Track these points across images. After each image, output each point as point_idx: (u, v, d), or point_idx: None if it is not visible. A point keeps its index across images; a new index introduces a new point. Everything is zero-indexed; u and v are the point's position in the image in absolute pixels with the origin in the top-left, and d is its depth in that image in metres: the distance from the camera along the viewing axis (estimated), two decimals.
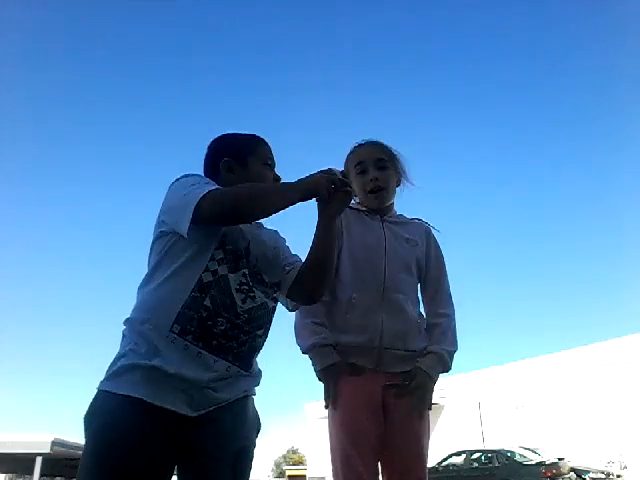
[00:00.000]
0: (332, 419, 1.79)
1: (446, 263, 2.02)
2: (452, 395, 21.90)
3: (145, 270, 1.42)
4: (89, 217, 57.04)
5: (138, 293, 1.40)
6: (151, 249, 1.42)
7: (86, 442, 1.25)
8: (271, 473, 50.66)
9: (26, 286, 59.11)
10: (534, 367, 20.76)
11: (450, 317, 1.91)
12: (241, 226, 1.45)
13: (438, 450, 12.62)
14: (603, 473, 14.01)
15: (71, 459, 17.04)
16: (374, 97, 55.24)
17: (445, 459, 15.15)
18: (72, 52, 56.87)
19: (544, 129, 42.82)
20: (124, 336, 1.34)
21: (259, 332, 1.42)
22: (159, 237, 1.40)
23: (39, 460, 15.52)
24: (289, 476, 33.58)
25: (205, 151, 1.59)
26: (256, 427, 1.44)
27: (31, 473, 16.57)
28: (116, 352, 1.33)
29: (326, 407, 1.80)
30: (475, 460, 14.70)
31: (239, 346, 1.36)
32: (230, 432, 1.33)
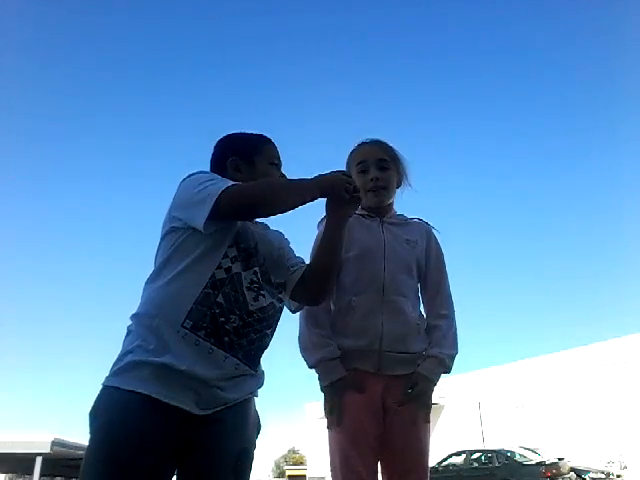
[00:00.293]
0: (332, 417, 1.78)
1: (446, 263, 2.01)
2: (452, 395, 21.91)
3: (151, 265, 1.42)
4: (91, 211, 57.06)
5: (145, 289, 1.39)
6: (160, 244, 1.42)
7: (91, 438, 1.24)
8: (271, 473, 50.67)
9: (26, 282, 59.14)
10: (534, 367, 20.77)
11: (450, 318, 1.90)
12: (249, 225, 1.46)
13: (438, 450, 12.61)
14: (603, 473, 14.01)
15: (71, 459, 17.06)
16: (373, 90, 55.30)
17: (445, 459, 15.16)
18: (72, 46, 56.88)
19: (544, 123, 42.83)
20: (130, 332, 1.34)
21: (268, 331, 1.43)
22: (169, 232, 1.39)
23: (39, 460, 15.53)
24: (289, 476, 33.56)
25: (212, 149, 1.60)
26: (257, 428, 1.45)
27: (31, 473, 16.57)
28: (120, 348, 1.33)
29: (328, 427, 1.78)
30: (475, 460, 14.71)
31: (249, 344, 1.36)
32: (234, 433, 1.33)
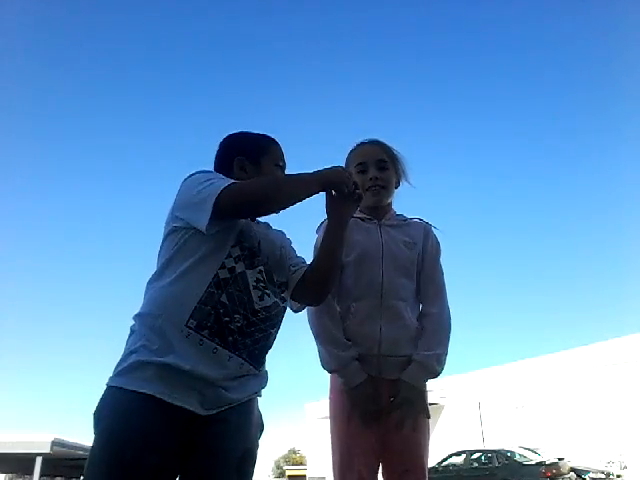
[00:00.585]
0: (334, 418, 1.79)
1: (446, 262, 1.99)
2: (452, 395, 21.92)
3: (153, 265, 1.42)
4: (92, 211, 57.04)
5: (148, 288, 1.39)
6: (162, 244, 1.42)
7: (95, 438, 1.24)
8: (271, 473, 50.69)
9: (26, 281, 59.11)
10: (534, 367, 20.76)
11: (439, 315, 1.86)
12: (252, 225, 1.46)
13: (438, 450, 12.62)
14: (603, 473, 14.01)
15: (71, 459, 17.09)
16: (373, 90, 55.30)
17: (445, 459, 15.16)
18: (71, 45, 56.90)
19: (544, 123, 42.83)
20: (133, 331, 1.34)
21: (272, 330, 1.43)
22: (172, 232, 1.39)
23: (39, 460, 15.55)
24: (289, 476, 33.59)
25: (215, 148, 1.60)
26: (260, 428, 1.45)
27: (31, 473, 16.59)
28: (123, 348, 1.33)
29: (348, 421, 1.75)
30: (475, 460, 14.71)
31: (253, 344, 1.37)
32: (237, 433, 1.33)
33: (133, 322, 1.36)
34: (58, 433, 15.71)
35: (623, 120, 37.34)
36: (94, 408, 1.27)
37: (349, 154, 2.00)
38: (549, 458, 13.38)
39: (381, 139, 2.01)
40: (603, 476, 13.84)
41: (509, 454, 13.98)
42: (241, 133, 1.62)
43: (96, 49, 55.71)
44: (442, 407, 21.96)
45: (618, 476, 14.43)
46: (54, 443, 15.09)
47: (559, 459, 13.08)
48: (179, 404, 1.24)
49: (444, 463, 15.02)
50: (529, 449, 14.89)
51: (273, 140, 1.60)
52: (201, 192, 1.30)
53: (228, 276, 1.34)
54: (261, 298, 1.39)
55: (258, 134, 1.61)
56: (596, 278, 38.78)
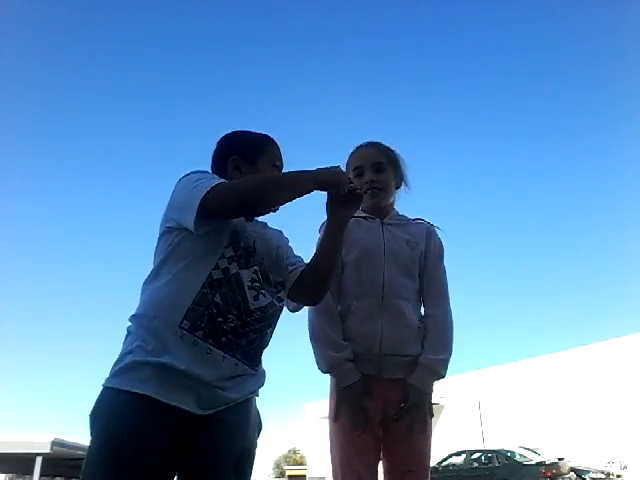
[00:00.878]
0: (333, 418, 1.78)
1: (447, 261, 1.99)
2: (452, 395, 21.91)
3: (150, 266, 1.42)
4: (92, 211, 57.03)
5: (144, 289, 1.39)
6: (157, 245, 1.42)
7: (92, 439, 1.24)
8: (271, 473, 50.68)
9: (26, 281, 59.13)
10: (534, 367, 20.77)
11: (443, 316, 1.86)
12: (247, 225, 1.46)
13: (438, 450, 12.60)
14: (603, 473, 14.02)
15: (71, 459, 17.08)
16: (373, 90, 55.29)
17: (445, 459, 15.16)
18: (71, 45, 56.83)
19: (544, 123, 42.83)
20: (130, 332, 1.34)
21: (268, 330, 1.43)
22: (165, 233, 1.39)
23: (39, 460, 15.55)
24: (289, 476, 33.58)
25: (213, 147, 1.59)
26: (258, 427, 1.44)
27: (31, 473, 16.59)
28: (120, 348, 1.33)
29: (334, 419, 1.77)
30: (475, 460, 14.71)
31: (248, 344, 1.36)
32: (235, 433, 1.33)
33: (129, 323, 1.36)
34: (58, 433, 15.73)
35: (623, 120, 37.36)
36: (91, 409, 1.27)
37: (348, 158, 2.00)
38: (549, 458, 13.38)
39: (380, 140, 2.01)
40: (603, 476, 13.84)
41: (509, 454, 13.98)
42: (237, 132, 1.60)
43: (96, 49, 55.71)
44: (442, 407, 21.95)
45: (618, 476, 14.43)
46: (54, 443, 15.09)
47: (559, 459, 13.08)
48: (175, 404, 1.24)
49: (444, 463, 15.02)
50: (529, 449, 14.90)
51: (270, 139, 1.58)
52: (191, 192, 1.29)
53: (222, 277, 1.34)
54: (256, 298, 1.39)
55: (255, 133, 1.59)
56: (596, 278, 38.83)
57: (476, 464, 14.55)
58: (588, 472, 13.70)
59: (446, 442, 16.40)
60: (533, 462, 13.21)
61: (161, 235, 1.41)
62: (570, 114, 41.50)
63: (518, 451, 14.31)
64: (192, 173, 1.39)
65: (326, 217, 1.54)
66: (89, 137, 54.82)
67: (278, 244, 1.55)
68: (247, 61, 60.17)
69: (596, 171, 39.74)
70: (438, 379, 1.80)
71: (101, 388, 1.29)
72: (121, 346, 1.34)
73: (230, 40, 58.71)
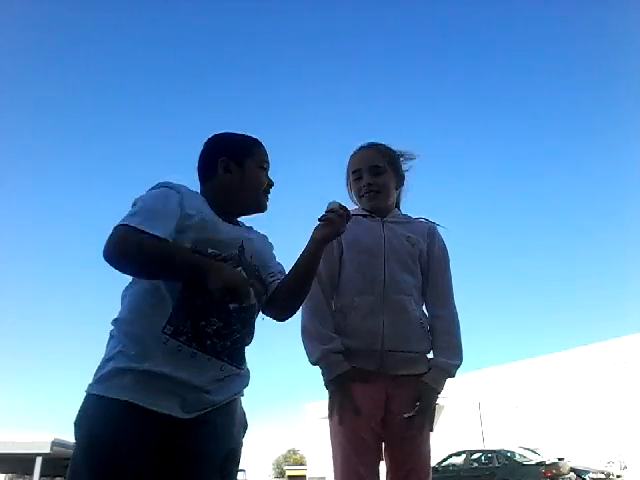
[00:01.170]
0: (334, 417, 1.78)
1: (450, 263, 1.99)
2: (452, 395, 21.91)
3: None
4: (91, 212, 56.98)
5: (124, 294, 1.38)
6: None
7: (76, 446, 1.25)
8: (271, 473, 50.68)
9: (26, 281, 59.06)
10: (534, 367, 20.77)
11: (452, 318, 1.89)
12: (229, 228, 1.45)
13: (438, 450, 12.60)
14: (603, 473, 14.01)
15: None
16: (373, 90, 55.30)
17: (445, 459, 15.14)
18: (70, 45, 56.84)
19: (545, 123, 42.84)
20: (112, 337, 1.33)
21: (249, 330, 1.42)
22: None
23: (39, 460, 15.56)
24: (289, 476, 33.53)
25: (201, 148, 1.58)
26: (244, 428, 1.44)
27: (31, 473, 16.60)
28: (103, 353, 1.32)
29: (330, 417, 1.78)
30: (475, 460, 14.70)
31: (232, 344, 1.36)
32: (221, 435, 1.33)
33: (112, 327, 1.35)
34: (58, 433, 15.75)
35: (624, 121, 37.34)
36: (75, 417, 1.27)
37: (349, 160, 2.03)
38: (549, 458, 13.37)
39: (378, 140, 2.02)
40: (603, 476, 13.84)
41: (509, 454, 13.97)
42: (225, 134, 1.60)
43: (96, 49, 55.71)
44: (442, 407, 21.95)
45: (618, 476, 14.44)
46: (54, 443, 15.10)
47: (559, 459, 13.07)
48: (158, 410, 1.24)
49: (444, 463, 15.01)
50: (529, 449, 14.89)
51: (258, 141, 1.59)
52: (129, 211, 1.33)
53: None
54: None
55: (242, 135, 1.59)
56: (596, 278, 38.81)
57: (476, 464, 14.54)
58: (588, 472, 13.69)
59: (446, 442, 16.39)
60: (533, 462, 13.19)
61: None
62: (570, 114, 41.53)
63: (518, 451, 14.30)
64: (151, 189, 1.39)
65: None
66: (90, 137, 54.85)
67: (263, 248, 1.55)
68: (247, 61, 60.16)
69: (596, 171, 39.75)
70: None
71: (84, 395, 1.29)
72: (104, 349, 1.33)
73: (230, 40, 58.73)
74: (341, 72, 57.47)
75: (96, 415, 1.24)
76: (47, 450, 15.11)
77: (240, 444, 1.40)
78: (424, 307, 1.92)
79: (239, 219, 1.57)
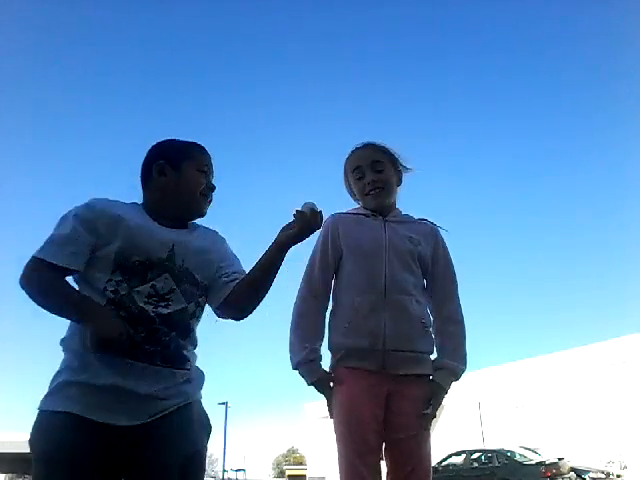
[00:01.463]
0: (335, 418, 1.79)
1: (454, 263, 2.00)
2: (452, 395, 21.78)
3: None
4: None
5: None
6: None
7: (34, 465, 1.27)
8: (271, 473, 50.66)
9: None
10: (534, 367, 20.76)
11: (461, 329, 1.90)
12: (161, 231, 1.44)
13: (438, 450, 12.60)
14: (603, 473, 13.99)
15: None
16: (373, 90, 55.21)
17: (445, 459, 15.13)
18: (69, 45, 56.76)
19: (545, 123, 42.85)
20: (63, 353, 1.36)
21: (181, 331, 1.40)
22: None
23: None
24: (289, 476, 33.52)
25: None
26: (206, 430, 1.44)
27: (31, 473, 16.55)
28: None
29: (331, 416, 1.81)
30: (475, 460, 14.68)
31: (164, 349, 1.36)
32: (177, 439, 1.33)
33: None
34: None
35: (624, 120, 37.34)
36: (29, 435, 1.29)
37: (345, 162, 2.01)
38: (549, 458, 13.34)
39: (374, 140, 2.01)
40: (603, 476, 13.82)
41: (509, 454, 13.95)
42: (166, 140, 1.59)
43: (96, 50, 55.67)
44: (442, 407, 21.89)
45: (618, 476, 14.42)
46: None
47: (559, 459, 13.04)
48: (102, 420, 1.25)
49: (444, 463, 14.99)
50: (529, 449, 14.87)
51: (200, 147, 1.57)
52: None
53: (113, 297, 1.34)
54: (155, 308, 1.36)
55: (185, 141, 1.58)
56: (596, 278, 38.82)
57: (476, 464, 14.52)
58: (588, 472, 13.67)
59: (446, 442, 16.39)
60: (533, 462, 13.17)
61: None
62: (570, 114, 41.51)
63: (518, 451, 14.28)
64: (69, 212, 1.41)
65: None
66: (90, 138, 54.76)
67: (210, 247, 1.53)
68: (247, 61, 60.12)
69: (596, 171, 39.78)
70: None
71: (37, 412, 1.30)
72: None
73: (230, 40, 58.66)
74: (341, 72, 57.46)
75: (45, 430, 1.27)
76: None
77: (203, 447, 1.40)
78: (427, 307, 1.92)
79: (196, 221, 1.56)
